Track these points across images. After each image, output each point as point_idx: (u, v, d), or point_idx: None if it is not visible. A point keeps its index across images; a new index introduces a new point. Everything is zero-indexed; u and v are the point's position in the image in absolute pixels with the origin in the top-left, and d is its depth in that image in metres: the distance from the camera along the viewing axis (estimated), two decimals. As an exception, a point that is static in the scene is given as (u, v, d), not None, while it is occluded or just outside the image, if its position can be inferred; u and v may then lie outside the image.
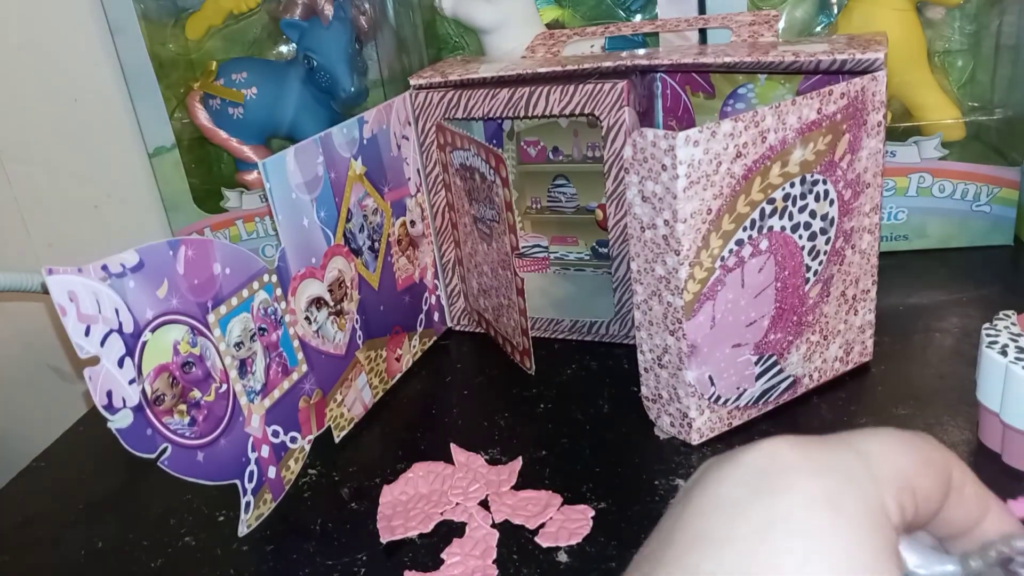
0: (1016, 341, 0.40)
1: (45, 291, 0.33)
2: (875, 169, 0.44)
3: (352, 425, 0.50)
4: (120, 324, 0.35)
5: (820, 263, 0.44)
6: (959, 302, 0.55)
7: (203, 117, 0.67)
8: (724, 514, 0.18)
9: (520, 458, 0.45)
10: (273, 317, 0.44)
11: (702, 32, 0.61)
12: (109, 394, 0.34)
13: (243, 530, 0.41)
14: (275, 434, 0.44)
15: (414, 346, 0.57)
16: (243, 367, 0.42)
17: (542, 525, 0.40)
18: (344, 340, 0.49)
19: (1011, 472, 0.40)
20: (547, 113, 0.52)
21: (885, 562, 0.17)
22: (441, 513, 0.42)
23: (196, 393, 0.39)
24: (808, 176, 0.42)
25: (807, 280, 0.44)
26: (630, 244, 0.42)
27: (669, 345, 0.42)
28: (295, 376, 0.45)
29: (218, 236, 0.69)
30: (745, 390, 0.44)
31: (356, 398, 0.51)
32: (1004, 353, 0.39)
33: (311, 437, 0.47)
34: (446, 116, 0.55)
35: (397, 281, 0.56)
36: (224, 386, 0.40)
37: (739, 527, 0.17)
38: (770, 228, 0.42)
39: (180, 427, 0.38)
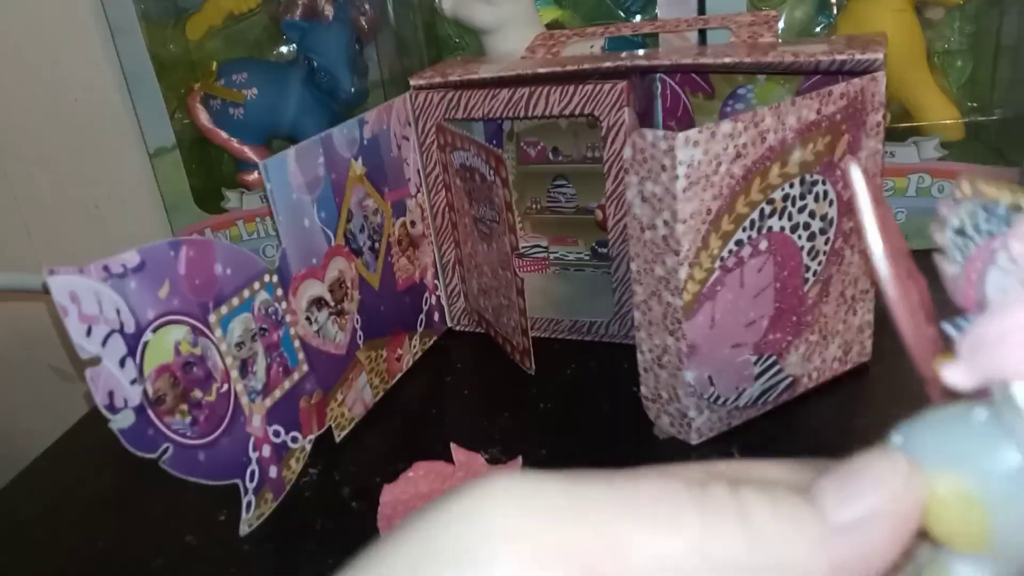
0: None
1: (45, 291, 0.33)
2: (874, 169, 0.45)
3: (353, 425, 0.50)
4: (121, 324, 0.35)
5: (819, 263, 0.44)
6: (958, 302, 0.55)
7: (204, 117, 0.68)
8: None
9: (520, 458, 0.45)
10: (274, 317, 0.44)
11: (702, 32, 0.61)
12: (111, 394, 0.34)
13: (244, 530, 0.41)
14: (276, 434, 0.44)
15: (414, 346, 0.58)
16: (244, 367, 0.42)
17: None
18: (345, 340, 0.50)
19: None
20: (547, 113, 0.52)
21: None
22: (441, 513, 0.42)
23: (197, 393, 0.39)
24: (807, 176, 0.42)
25: (806, 280, 0.44)
26: (630, 244, 0.42)
27: (668, 345, 0.42)
28: (296, 376, 0.45)
29: (219, 236, 0.69)
30: (744, 390, 0.44)
31: (357, 398, 0.51)
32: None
33: (312, 437, 0.47)
34: (446, 117, 0.55)
35: (397, 281, 0.56)
36: (225, 386, 0.41)
37: None
38: (769, 228, 0.42)
39: (181, 427, 0.38)
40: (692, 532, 0.15)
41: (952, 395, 0.16)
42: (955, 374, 0.15)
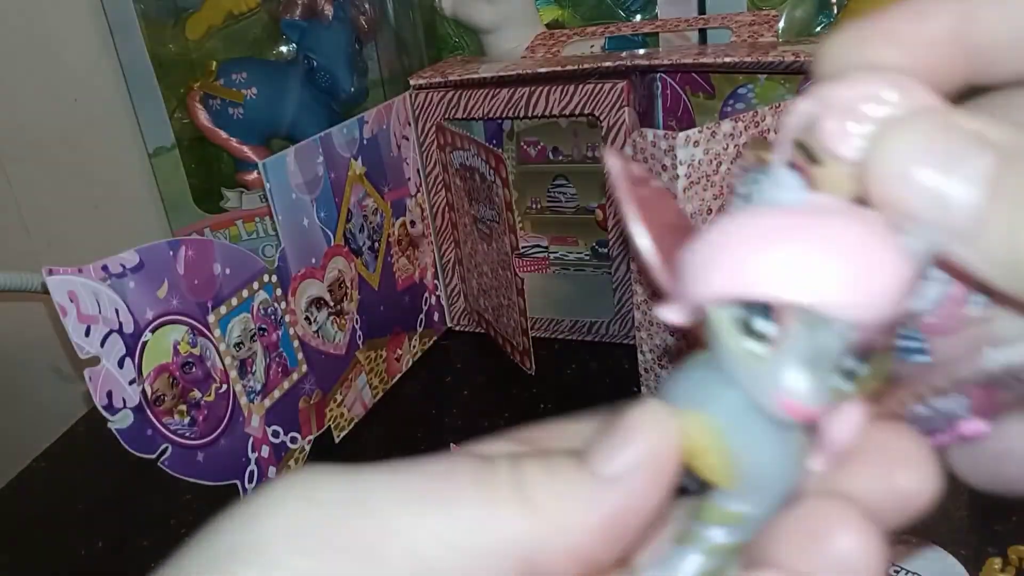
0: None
1: (45, 291, 0.33)
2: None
3: (352, 425, 0.50)
4: (120, 324, 0.35)
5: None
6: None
7: (203, 117, 0.67)
8: None
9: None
10: (273, 317, 0.44)
11: (702, 32, 0.61)
12: (109, 394, 0.34)
13: (243, 530, 0.41)
14: (275, 434, 0.44)
15: (414, 346, 0.57)
16: (243, 367, 0.42)
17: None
18: (344, 340, 0.49)
19: (1011, 472, 0.40)
20: (547, 113, 0.52)
21: None
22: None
23: (196, 393, 0.39)
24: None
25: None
26: (630, 244, 0.42)
27: (670, 345, 0.42)
28: (295, 376, 0.45)
29: (218, 236, 0.69)
30: (745, 390, 0.44)
31: (356, 398, 0.51)
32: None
33: (311, 437, 0.47)
34: (446, 116, 0.55)
35: (397, 281, 0.56)
36: (224, 386, 0.40)
37: None
38: (770, 228, 0.42)
39: (180, 427, 0.38)
40: (469, 510, 0.15)
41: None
42: (667, 311, 0.16)
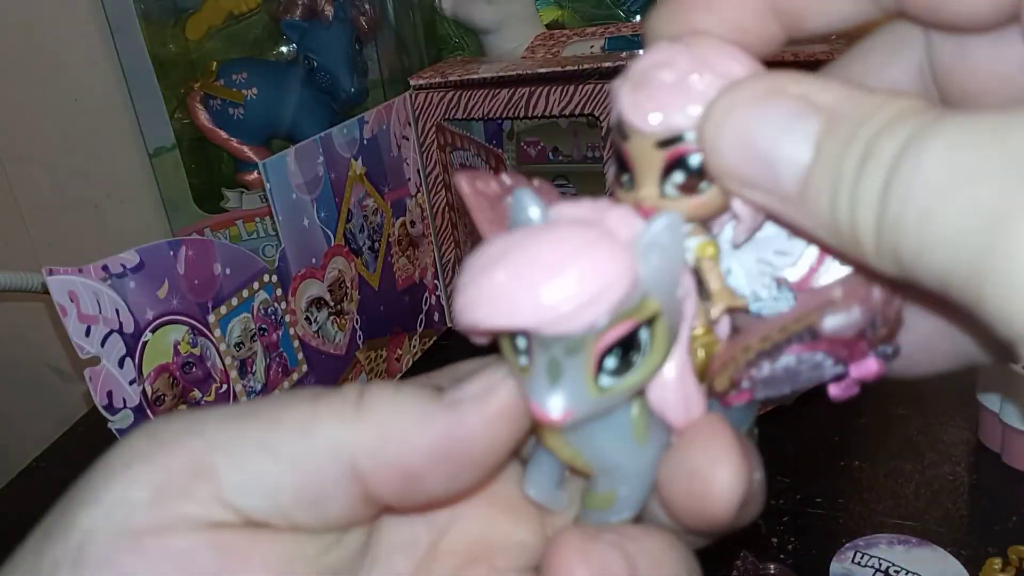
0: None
1: (45, 291, 0.33)
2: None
3: (352, 425, 0.50)
4: (120, 324, 0.35)
5: (820, 263, 0.44)
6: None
7: (204, 117, 0.67)
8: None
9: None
10: (273, 317, 0.44)
11: (702, 32, 0.61)
12: (110, 394, 0.34)
13: (243, 530, 0.41)
14: (275, 434, 0.44)
15: (414, 346, 0.58)
16: (243, 367, 0.42)
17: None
18: (344, 340, 0.50)
19: (1011, 472, 0.40)
20: (547, 113, 0.52)
21: None
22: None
23: (196, 393, 0.39)
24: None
25: (807, 280, 0.44)
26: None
27: (669, 345, 0.42)
28: (295, 376, 0.45)
29: (218, 236, 0.69)
30: (745, 390, 0.44)
31: (356, 398, 0.51)
32: (1003, 353, 0.39)
33: (311, 437, 0.47)
34: (446, 116, 0.55)
35: (397, 281, 0.56)
36: (224, 386, 0.40)
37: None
38: (770, 228, 0.42)
39: (180, 427, 0.38)
40: (296, 419, 0.16)
41: None
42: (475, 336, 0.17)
